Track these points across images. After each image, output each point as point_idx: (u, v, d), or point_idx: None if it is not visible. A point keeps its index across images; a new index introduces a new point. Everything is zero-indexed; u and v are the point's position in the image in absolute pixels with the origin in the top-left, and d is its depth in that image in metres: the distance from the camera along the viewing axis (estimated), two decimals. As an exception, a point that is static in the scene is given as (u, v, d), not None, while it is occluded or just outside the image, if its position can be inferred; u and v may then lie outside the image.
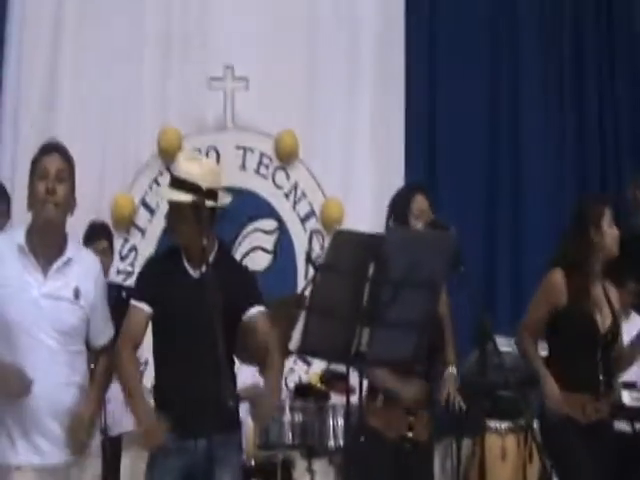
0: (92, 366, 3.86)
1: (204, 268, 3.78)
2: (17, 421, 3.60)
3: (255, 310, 3.94)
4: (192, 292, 3.77)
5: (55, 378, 3.63)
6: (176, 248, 3.99)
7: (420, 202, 4.40)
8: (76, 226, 5.73)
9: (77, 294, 3.70)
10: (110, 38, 7.02)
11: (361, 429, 4.07)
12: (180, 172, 3.94)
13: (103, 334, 3.86)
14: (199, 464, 3.69)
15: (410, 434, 4.30)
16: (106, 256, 5.72)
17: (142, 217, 6.97)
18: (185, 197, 3.84)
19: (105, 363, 3.86)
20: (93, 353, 3.86)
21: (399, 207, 4.43)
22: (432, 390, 4.43)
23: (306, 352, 3.77)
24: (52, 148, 3.79)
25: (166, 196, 4.00)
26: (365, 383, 3.58)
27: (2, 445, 3.62)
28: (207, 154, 6.90)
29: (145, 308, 3.87)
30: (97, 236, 5.81)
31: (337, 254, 3.33)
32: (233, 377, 3.91)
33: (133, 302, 3.90)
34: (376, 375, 4.18)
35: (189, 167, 3.93)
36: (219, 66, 7.08)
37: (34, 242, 3.69)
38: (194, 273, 3.91)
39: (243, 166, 7.06)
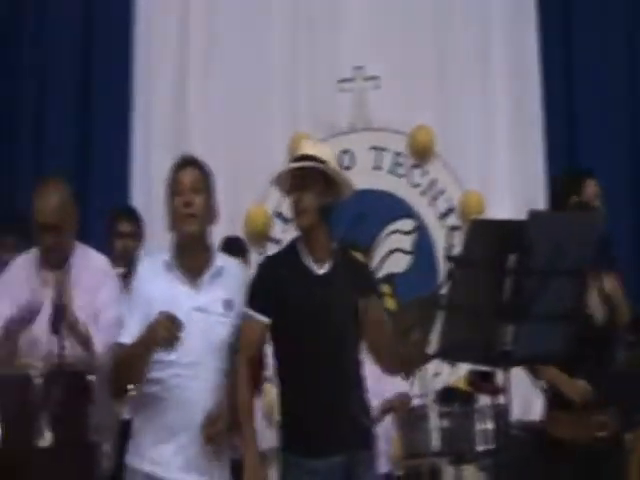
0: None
1: (328, 264, 3.58)
2: (160, 430, 3.57)
3: (371, 299, 3.69)
4: (317, 290, 3.55)
5: (202, 394, 3.56)
6: (293, 244, 3.73)
7: (592, 187, 4.13)
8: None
9: (228, 306, 3.65)
10: (237, 47, 7.00)
11: (544, 443, 3.79)
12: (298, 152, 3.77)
13: None
14: None
15: (602, 434, 4.10)
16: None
17: (277, 228, 6.84)
18: (308, 163, 3.62)
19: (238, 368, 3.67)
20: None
21: (568, 191, 4.15)
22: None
23: (445, 356, 3.50)
24: (185, 162, 3.76)
25: (287, 168, 3.72)
26: (545, 393, 3.31)
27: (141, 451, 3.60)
28: (341, 157, 6.75)
29: (261, 319, 3.62)
30: (233, 252, 5.70)
31: (473, 246, 3.09)
32: (361, 386, 3.62)
33: (248, 313, 3.65)
34: (547, 374, 3.90)
35: (306, 147, 3.77)
36: (348, 67, 6.95)
37: (180, 257, 3.67)
38: (318, 269, 3.66)
39: (378, 167, 6.88)
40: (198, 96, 7.06)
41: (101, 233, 5.85)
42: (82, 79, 7.19)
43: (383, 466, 5.10)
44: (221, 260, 3.72)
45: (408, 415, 5.03)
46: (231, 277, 3.69)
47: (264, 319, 3.61)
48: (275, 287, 3.61)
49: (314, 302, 3.53)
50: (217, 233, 5.83)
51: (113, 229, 5.77)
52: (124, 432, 4.02)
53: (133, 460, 3.65)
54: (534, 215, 3.09)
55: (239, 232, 6.60)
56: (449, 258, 4.30)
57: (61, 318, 3.75)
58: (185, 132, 6.97)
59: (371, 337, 3.64)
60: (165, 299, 3.58)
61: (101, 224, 5.95)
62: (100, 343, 3.99)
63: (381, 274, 6.65)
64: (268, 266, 3.75)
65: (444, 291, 3.18)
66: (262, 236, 6.85)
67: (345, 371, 3.20)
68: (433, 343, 3.23)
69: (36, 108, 7.23)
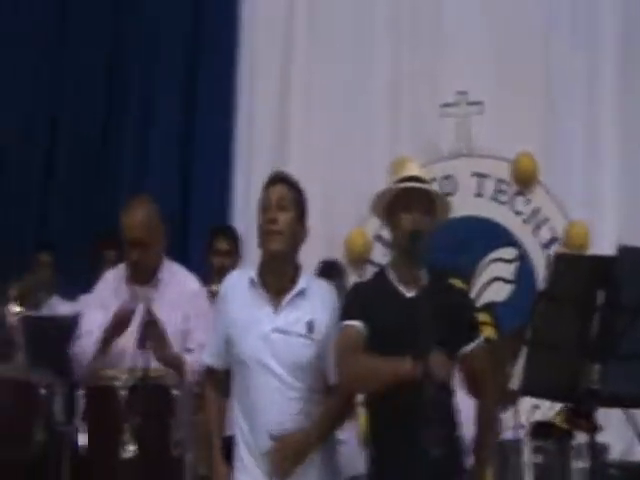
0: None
1: (418, 288, 3.47)
2: (252, 454, 3.52)
3: (470, 346, 3.55)
4: (405, 312, 3.42)
5: (287, 418, 3.48)
6: (382, 270, 3.67)
7: None
8: (310, 265, 5.85)
9: (311, 328, 3.54)
10: (339, 72, 7.02)
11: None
12: (403, 173, 3.67)
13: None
14: None
15: None
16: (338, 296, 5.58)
17: (377, 252, 6.80)
18: (414, 184, 3.54)
19: (336, 401, 3.58)
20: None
21: None
22: None
23: (529, 392, 3.40)
24: (274, 179, 3.67)
25: (393, 188, 3.60)
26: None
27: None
28: (442, 183, 6.70)
29: (358, 325, 3.47)
30: (329, 276, 5.69)
31: (560, 281, 3.01)
32: (447, 415, 3.50)
33: (345, 322, 3.51)
34: None
35: (411, 168, 3.68)
36: (451, 92, 6.88)
37: (264, 275, 3.60)
38: (407, 292, 3.56)
39: (479, 194, 6.79)
40: (299, 119, 7.09)
41: (201, 251, 5.94)
42: (185, 99, 7.31)
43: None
44: (306, 281, 3.62)
45: (500, 448, 4.90)
46: (316, 298, 3.60)
47: (360, 325, 3.47)
48: (364, 309, 3.51)
49: (402, 324, 3.40)
50: (316, 256, 5.96)
51: (211, 247, 5.84)
52: (228, 448, 4.05)
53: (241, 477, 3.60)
54: (624, 250, 2.99)
55: (339, 255, 6.60)
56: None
57: (148, 333, 3.79)
58: (285, 154, 7.01)
59: (469, 376, 3.57)
60: (246, 319, 3.56)
61: (201, 242, 6.03)
62: (191, 365, 4.04)
63: (481, 302, 6.54)
64: (357, 290, 3.71)
65: (529, 326, 3.11)
66: (362, 260, 6.82)
67: (428, 400, 3.11)
68: (517, 378, 3.14)
69: (138, 130, 7.38)
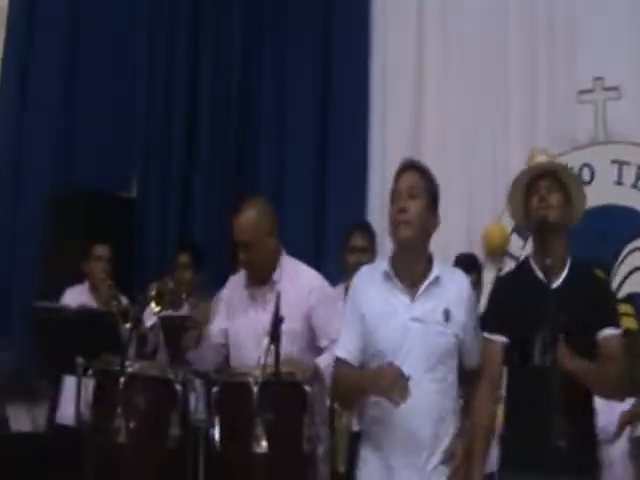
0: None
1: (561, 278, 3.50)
2: (385, 440, 3.51)
3: (606, 332, 3.55)
4: (549, 303, 3.41)
5: (422, 407, 3.45)
6: (525, 260, 3.71)
7: None
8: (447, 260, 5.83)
9: (447, 316, 3.53)
10: (475, 60, 6.99)
11: None
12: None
13: (472, 357, 3.64)
14: None
15: None
16: (474, 289, 5.53)
17: (515, 245, 6.71)
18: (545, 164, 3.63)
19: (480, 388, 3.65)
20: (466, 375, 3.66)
21: None
22: None
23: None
24: (406, 166, 3.66)
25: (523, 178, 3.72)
26: None
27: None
28: (580, 172, 6.55)
29: (499, 339, 3.60)
30: (465, 269, 5.62)
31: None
32: (575, 407, 3.44)
33: (487, 335, 3.62)
34: None
35: (540, 159, 3.75)
36: (588, 78, 6.72)
37: (397, 266, 3.59)
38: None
39: (619, 182, 6.60)
40: (434, 112, 7.09)
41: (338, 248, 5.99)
42: (320, 96, 7.37)
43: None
44: (439, 269, 3.59)
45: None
46: (450, 287, 3.58)
47: (502, 339, 3.59)
48: (508, 304, 3.58)
49: (546, 314, 3.39)
50: (454, 250, 5.92)
51: (347, 244, 5.86)
52: (353, 443, 4.06)
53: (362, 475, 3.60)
54: None
55: (477, 249, 6.55)
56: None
57: (279, 329, 3.84)
58: (420, 146, 7.00)
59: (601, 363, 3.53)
60: (382, 309, 3.54)
61: (338, 239, 6.08)
62: (325, 362, 4.06)
63: (622, 293, 6.36)
64: (500, 285, 3.80)
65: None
66: (500, 253, 6.74)
67: (563, 391, 3.08)
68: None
69: (274, 131, 7.46)
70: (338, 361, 3.65)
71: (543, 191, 3.63)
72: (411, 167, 3.64)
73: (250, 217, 4.27)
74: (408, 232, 3.53)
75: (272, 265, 4.32)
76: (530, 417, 3.42)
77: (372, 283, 3.60)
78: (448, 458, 3.46)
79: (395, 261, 3.61)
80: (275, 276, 4.31)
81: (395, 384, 3.31)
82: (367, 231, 5.93)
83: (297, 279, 4.31)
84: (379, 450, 3.52)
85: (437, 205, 3.63)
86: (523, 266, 3.70)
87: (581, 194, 3.72)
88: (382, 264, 3.65)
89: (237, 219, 4.29)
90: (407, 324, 3.50)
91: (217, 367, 4.31)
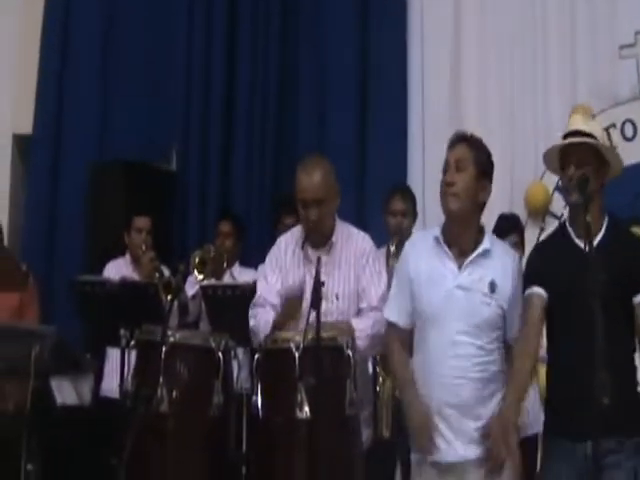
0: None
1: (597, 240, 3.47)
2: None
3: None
4: (582, 267, 3.36)
5: (460, 372, 3.53)
6: (563, 225, 3.69)
7: None
8: (490, 220, 5.78)
9: (493, 287, 3.58)
10: (513, 14, 6.87)
11: None
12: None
13: (514, 328, 3.64)
14: (587, 470, 3.28)
15: None
16: (517, 250, 5.47)
17: (557, 203, 6.61)
18: (579, 139, 3.57)
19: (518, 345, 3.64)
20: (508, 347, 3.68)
21: None
22: None
23: None
24: (455, 140, 3.74)
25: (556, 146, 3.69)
26: None
27: None
28: (622, 128, 6.45)
29: (540, 292, 3.58)
30: (508, 230, 5.59)
31: None
32: (623, 369, 3.44)
33: (528, 290, 3.62)
34: None
35: (573, 121, 3.72)
36: (630, 33, 6.57)
37: (448, 234, 3.67)
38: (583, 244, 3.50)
39: (662, 137, 6.48)
40: (472, 71, 6.96)
41: (379, 212, 5.97)
42: (360, 65, 7.30)
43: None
44: (489, 242, 3.67)
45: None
46: (499, 260, 3.64)
47: (542, 292, 3.57)
48: (546, 268, 3.58)
49: (576, 280, 3.38)
50: (496, 209, 5.87)
51: (387, 207, 5.84)
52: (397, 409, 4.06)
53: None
54: None
55: (519, 208, 6.48)
56: None
57: (320, 294, 3.82)
58: (460, 106, 6.91)
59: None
60: (430, 275, 3.62)
61: (379, 203, 6.05)
62: (361, 332, 4.07)
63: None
64: (538, 251, 3.79)
65: None
66: (542, 212, 6.67)
67: (606, 353, 3.03)
68: None
69: (315, 97, 7.42)
70: (389, 325, 3.79)
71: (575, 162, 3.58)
72: (460, 140, 3.71)
73: (321, 174, 4.22)
74: (455, 204, 3.61)
75: (333, 226, 4.30)
76: (572, 374, 3.39)
77: (424, 248, 3.69)
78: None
79: (446, 229, 3.69)
80: (334, 238, 4.29)
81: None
82: (407, 195, 5.93)
83: (351, 241, 4.30)
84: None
85: (489, 175, 3.68)
86: (559, 232, 3.72)
87: (615, 156, 3.66)
88: (435, 230, 3.73)
89: (306, 177, 4.21)
90: (452, 291, 3.58)
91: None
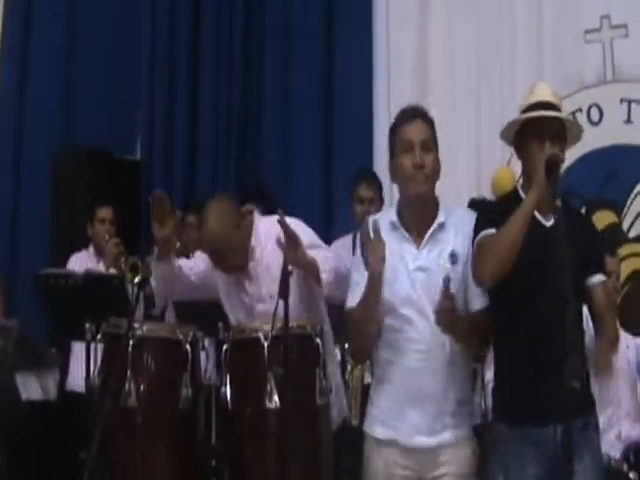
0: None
1: (554, 217, 3.30)
2: (390, 396, 3.50)
3: (596, 279, 3.44)
4: (542, 242, 3.28)
5: (432, 353, 3.43)
6: (516, 193, 3.49)
7: None
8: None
9: (454, 259, 3.47)
10: (479, 3, 6.87)
11: None
12: (527, 100, 3.49)
13: (480, 298, 3.50)
14: (554, 453, 3.17)
15: None
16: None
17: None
18: (552, 113, 3.38)
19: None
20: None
21: None
22: None
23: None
24: (413, 114, 3.56)
25: (518, 120, 3.45)
26: None
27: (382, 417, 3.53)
28: (589, 112, 6.45)
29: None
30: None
31: None
32: (580, 348, 3.35)
33: (481, 233, 3.40)
34: None
35: (538, 92, 3.49)
36: (595, 17, 6.53)
37: (406, 216, 3.53)
38: (545, 221, 3.40)
39: (629, 120, 6.45)
40: (439, 55, 6.96)
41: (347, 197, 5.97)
42: (324, 46, 7.29)
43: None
44: (444, 213, 3.53)
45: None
46: (455, 228, 3.51)
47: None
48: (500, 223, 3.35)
49: (538, 257, 3.29)
50: (464, 196, 5.84)
51: (354, 195, 5.81)
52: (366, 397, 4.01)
53: (372, 427, 3.57)
54: None
55: (487, 194, 6.45)
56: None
57: (287, 282, 3.76)
58: (425, 91, 6.86)
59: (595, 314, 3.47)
60: (390, 260, 3.45)
61: (346, 188, 6.05)
62: (323, 263, 3.93)
63: (633, 233, 6.30)
64: (492, 207, 3.67)
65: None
66: (510, 196, 6.67)
67: (562, 333, 2.99)
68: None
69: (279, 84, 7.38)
70: (351, 312, 3.59)
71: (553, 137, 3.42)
72: (419, 116, 3.55)
73: (214, 222, 4.13)
74: (424, 187, 3.49)
75: (248, 248, 4.19)
76: (536, 357, 3.30)
77: (382, 232, 3.48)
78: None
79: (403, 211, 3.56)
80: (250, 256, 4.18)
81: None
82: (373, 181, 5.91)
83: (272, 232, 4.10)
84: (390, 391, 3.50)
85: (438, 152, 3.57)
86: (513, 198, 3.48)
87: (577, 132, 3.54)
88: (389, 214, 3.60)
89: (204, 230, 4.17)
90: (413, 274, 3.47)
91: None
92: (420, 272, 3.47)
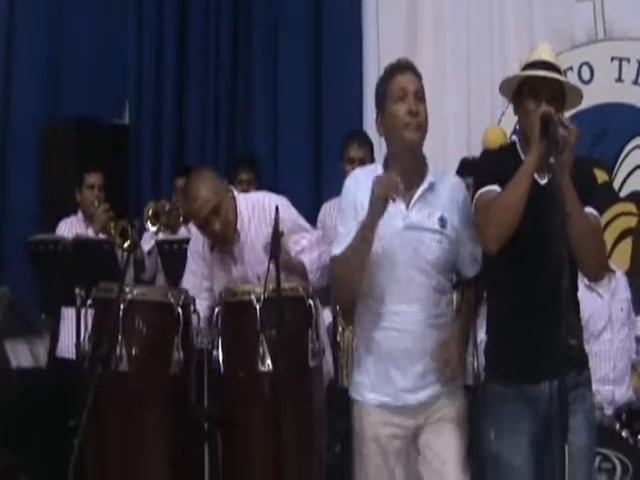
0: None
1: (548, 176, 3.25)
2: (376, 358, 3.44)
3: (587, 210, 3.34)
4: (538, 201, 3.23)
5: (418, 315, 3.39)
6: (513, 145, 3.44)
7: None
8: (447, 164, 5.71)
9: (443, 223, 3.42)
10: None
11: None
12: (528, 57, 3.43)
13: (471, 265, 3.51)
14: (547, 409, 3.20)
15: None
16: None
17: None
18: (550, 74, 3.32)
19: (471, 297, 3.54)
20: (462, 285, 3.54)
21: None
22: None
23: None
24: (405, 66, 3.50)
25: (518, 76, 3.37)
26: None
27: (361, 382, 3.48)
28: (580, 71, 6.40)
29: (496, 188, 3.28)
30: (469, 174, 5.55)
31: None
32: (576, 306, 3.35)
33: (481, 190, 3.33)
34: None
35: (539, 51, 3.43)
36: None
37: (394, 168, 3.41)
38: (540, 179, 3.34)
39: (620, 78, 6.40)
40: (429, 15, 6.88)
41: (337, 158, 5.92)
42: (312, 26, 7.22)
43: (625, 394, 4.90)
44: (434, 175, 3.47)
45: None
46: (445, 193, 3.46)
47: (498, 188, 3.29)
48: (504, 179, 3.27)
49: (538, 211, 3.22)
50: (455, 154, 5.81)
51: (344, 155, 5.77)
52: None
53: (360, 393, 3.51)
54: None
55: (477, 152, 6.41)
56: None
57: (278, 244, 3.73)
58: (416, 50, 6.73)
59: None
60: None
61: (337, 149, 6.00)
62: (310, 264, 4.05)
63: (624, 192, 6.26)
64: (490, 159, 3.54)
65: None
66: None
67: (561, 292, 2.97)
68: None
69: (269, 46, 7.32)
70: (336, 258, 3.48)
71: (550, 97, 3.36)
72: (410, 68, 3.50)
73: (205, 185, 4.13)
74: (418, 135, 3.42)
75: (235, 223, 4.20)
76: (531, 315, 3.28)
77: (367, 186, 3.40)
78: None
79: (392, 163, 3.47)
80: (239, 227, 4.19)
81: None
82: (364, 141, 5.84)
83: (257, 208, 4.20)
84: (375, 354, 3.44)
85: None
86: (510, 153, 3.41)
87: (576, 93, 3.50)
88: (376, 168, 3.52)
89: (193, 195, 4.13)
90: (402, 231, 3.40)
91: None
92: (410, 230, 3.41)
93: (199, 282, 4.30)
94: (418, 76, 3.50)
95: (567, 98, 3.41)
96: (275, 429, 3.68)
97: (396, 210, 3.41)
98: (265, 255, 3.87)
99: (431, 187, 3.45)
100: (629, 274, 4.62)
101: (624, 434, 4.55)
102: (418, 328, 3.40)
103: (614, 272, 5.14)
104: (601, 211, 3.94)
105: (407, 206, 3.43)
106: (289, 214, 4.17)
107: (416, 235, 3.41)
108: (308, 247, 4.12)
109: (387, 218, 3.37)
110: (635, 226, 6.03)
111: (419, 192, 3.44)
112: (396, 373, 3.41)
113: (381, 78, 3.55)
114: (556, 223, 3.04)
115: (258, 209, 4.22)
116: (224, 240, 4.19)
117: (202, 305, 4.21)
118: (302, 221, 4.29)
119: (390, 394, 3.43)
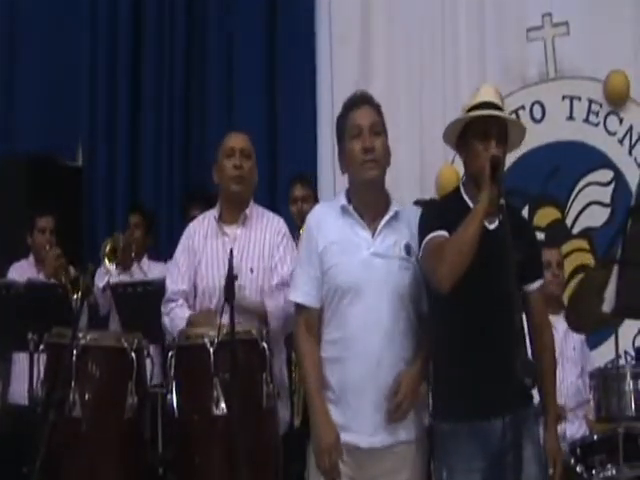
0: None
1: (499, 219, 3.25)
2: (344, 390, 3.41)
3: (537, 284, 3.46)
4: (487, 246, 3.24)
5: (381, 345, 3.37)
6: (458, 189, 3.47)
7: None
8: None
9: (409, 250, 3.44)
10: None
11: None
12: (471, 101, 3.46)
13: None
14: (499, 445, 3.22)
15: None
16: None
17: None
18: (494, 112, 3.36)
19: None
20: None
21: None
22: None
23: (622, 313, 3.21)
24: (361, 100, 3.54)
25: (464, 119, 3.40)
26: None
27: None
28: (531, 109, 6.49)
29: (444, 233, 3.30)
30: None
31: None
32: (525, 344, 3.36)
33: (430, 235, 3.34)
34: None
35: (482, 93, 3.46)
36: (537, 15, 6.56)
37: (358, 202, 3.49)
38: (488, 224, 3.35)
39: (571, 116, 6.49)
40: (381, 51, 6.97)
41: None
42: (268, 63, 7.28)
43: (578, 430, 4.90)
44: (397, 205, 3.52)
45: (602, 375, 4.71)
46: (407, 222, 3.48)
47: (446, 234, 3.31)
48: (450, 226, 3.30)
49: (487, 256, 3.23)
50: (407, 194, 5.83)
51: (289, 197, 5.87)
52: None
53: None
54: None
55: (429, 192, 6.45)
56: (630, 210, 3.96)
57: (233, 288, 3.72)
58: (369, 87, 6.68)
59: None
60: (342, 245, 3.44)
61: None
62: (272, 310, 4.04)
63: (577, 229, 6.34)
64: (436, 207, 3.61)
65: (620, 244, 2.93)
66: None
67: (508, 333, 2.99)
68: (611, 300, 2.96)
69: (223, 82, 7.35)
70: (298, 307, 3.54)
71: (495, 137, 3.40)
72: (367, 102, 3.53)
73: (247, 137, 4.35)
74: (376, 172, 3.45)
75: (250, 199, 4.30)
76: (481, 354, 3.29)
77: (330, 220, 3.49)
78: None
79: (354, 197, 3.51)
80: (248, 211, 4.26)
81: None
82: (305, 181, 6.06)
83: (266, 219, 4.29)
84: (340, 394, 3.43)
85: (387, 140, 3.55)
86: (455, 198, 3.47)
87: (520, 132, 3.54)
88: (339, 200, 3.54)
89: (234, 134, 4.38)
90: (369, 260, 3.42)
91: None
92: (377, 258, 3.42)
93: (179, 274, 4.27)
94: (375, 107, 3.53)
95: (510, 137, 3.44)
96: (231, 472, 3.65)
97: (361, 239, 3.45)
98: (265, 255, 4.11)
99: (396, 215, 3.48)
100: (567, 308, 4.61)
101: (579, 469, 4.55)
102: (390, 364, 3.38)
103: None
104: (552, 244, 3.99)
105: (372, 234, 3.45)
106: (287, 240, 4.27)
107: (384, 263, 3.42)
108: (279, 285, 4.11)
109: (352, 248, 3.42)
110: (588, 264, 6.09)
111: (384, 220, 3.47)
112: (362, 408, 3.39)
113: (339, 114, 3.59)
114: (507, 264, 3.06)
115: (266, 216, 4.31)
116: (240, 195, 4.24)
117: (176, 311, 4.18)
118: (294, 249, 4.25)
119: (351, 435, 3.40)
